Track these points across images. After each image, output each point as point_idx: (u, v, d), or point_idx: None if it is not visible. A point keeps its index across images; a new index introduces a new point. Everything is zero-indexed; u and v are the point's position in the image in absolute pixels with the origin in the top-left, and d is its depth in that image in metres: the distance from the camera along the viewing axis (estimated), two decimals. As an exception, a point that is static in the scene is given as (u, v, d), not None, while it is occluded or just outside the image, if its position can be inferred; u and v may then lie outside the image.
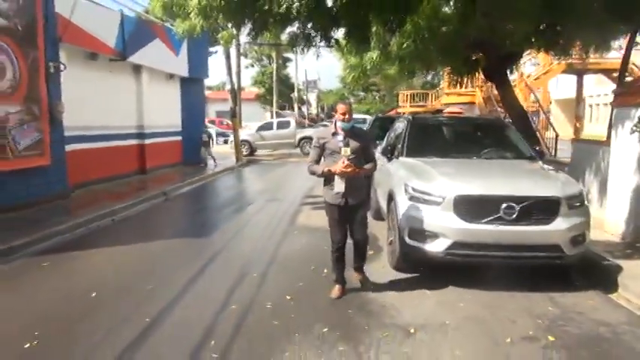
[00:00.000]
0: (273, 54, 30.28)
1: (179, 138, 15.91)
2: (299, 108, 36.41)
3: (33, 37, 8.49)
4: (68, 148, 9.72)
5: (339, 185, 4.19)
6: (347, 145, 4.21)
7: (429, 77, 19.43)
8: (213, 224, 8.14)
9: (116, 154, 12.09)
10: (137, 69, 13.08)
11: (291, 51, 35.01)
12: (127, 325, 3.83)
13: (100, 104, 11.19)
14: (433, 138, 6.42)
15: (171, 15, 7.84)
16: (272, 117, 36.48)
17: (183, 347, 3.47)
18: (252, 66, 38.61)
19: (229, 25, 8.23)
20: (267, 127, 22.12)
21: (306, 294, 4.48)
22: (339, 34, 9.54)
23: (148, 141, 13.52)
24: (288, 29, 9.42)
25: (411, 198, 4.75)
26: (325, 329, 3.72)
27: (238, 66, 20.48)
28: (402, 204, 4.84)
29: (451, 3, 10.92)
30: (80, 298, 4.46)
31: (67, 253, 6.08)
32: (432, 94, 24.72)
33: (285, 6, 6.53)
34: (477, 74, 12.33)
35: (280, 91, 33.35)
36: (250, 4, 7.26)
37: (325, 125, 34.15)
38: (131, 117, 13.00)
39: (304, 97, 41.36)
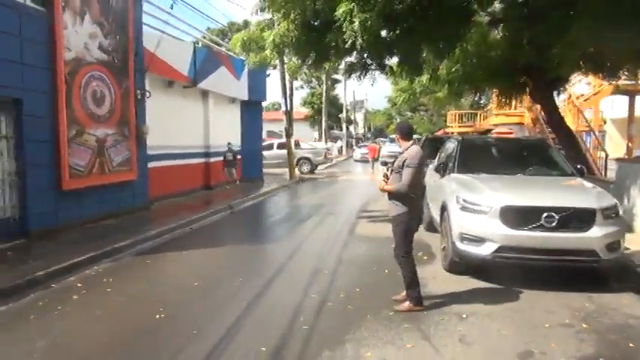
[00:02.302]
0: (323, 76, 31.64)
1: (238, 157, 17.23)
2: (347, 128, 37.69)
3: (126, 68, 9.96)
4: (149, 165, 11.10)
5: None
6: (390, 163, 4.89)
7: (476, 98, 19.95)
8: (280, 233, 9.18)
9: (186, 171, 13.47)
10: (205, 94, 14.55)
11: (338, 73, 36.45)
12: (230, 306, 4.83)
13: (173, 126, 12.63)
14: (481, 156, 7.20)
15: (245, 49, 9.03)
16: (320, 136, 37.90)
17: (279, 320, 4.42)
18: (302, 88, 40.41)
19: (295, 57, 9.32)
20: (268, 147, 22.67)
21: (372, 288, 5.36)
22: (393, 61, 10.49)
23: (212, 159, 14.89)
24: (347, 59, 10.50)
25: (462, 208, 5.57)
26: (391, 313, 4.58)
27: (291, 89, 21.75)
28: (454, 213, 5.67)
29: (499, 30, 11.69)
30: (186, 287, 5.52)
31: (162, 254, 7.24)
32: (480, 115, 25.23)
33: (350, 42, 7.52)
34: (524, 96, 12.93)
35: (329, 112, 34.66)
36: (317, 41, 8.37)
37: (364, 144, 34.50)
38: (199, 138, 14.42)
39: (352, 118, 42.65)
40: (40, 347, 3.94)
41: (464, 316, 4.51)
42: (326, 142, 32.36)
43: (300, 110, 40.91)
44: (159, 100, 11.66)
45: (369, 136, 53.88)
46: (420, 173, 4.56)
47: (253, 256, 7.18)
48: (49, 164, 8.01)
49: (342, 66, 11.73)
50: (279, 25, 8.01)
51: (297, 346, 3.92)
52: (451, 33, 8.52)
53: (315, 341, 3.99)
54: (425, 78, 12.32)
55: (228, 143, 15.27)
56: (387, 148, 27.42)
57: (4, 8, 7.03)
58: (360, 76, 10.71)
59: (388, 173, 4.69)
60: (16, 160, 7.48)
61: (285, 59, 9.88)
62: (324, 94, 34.17)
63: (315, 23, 8.59)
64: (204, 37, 18.38)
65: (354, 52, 9.65)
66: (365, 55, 10.00)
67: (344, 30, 7.80)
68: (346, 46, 8.10)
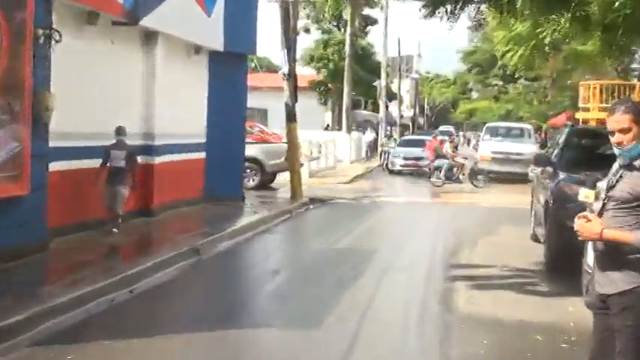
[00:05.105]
0: (346, 13, 31.43)
1: (201, 155, 17.08)
2: (386, 106, 36.97)
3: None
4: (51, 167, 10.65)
5: (589, 257, 4.59)
6: (593, 185, 4.55)
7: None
8: (319, 308, 8.56)
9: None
10: (150, 37, 14.42)
11: (375, 6, 36.28)
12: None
13: (90, 96, 12.16)
14: None
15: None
16: (337, 121, 37.67)
17: None
18: (307, 31, 39.48)
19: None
20: None
21: None
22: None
23: (157, 159, 14.60)
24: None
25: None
26: None
27: (294, 31, 21.64)
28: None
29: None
30: None
31: (84, 345, 6.88)
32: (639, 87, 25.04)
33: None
34: None
35: (355, 77, 34.09)
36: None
37: (410, 138, 33.61)
38: (133, 118, 13.97)
39: (394, 89, 42.20)
40: None
41: None
42: (348, 130, 32.21)
43: (302, 72, 40.01)
44: (69, 47, 11.23)
45: (422, 122, 53.78)
46: None
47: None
48: None
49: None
50: None
51: None
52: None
53: None
54: (564, 19, 12.23)
55: (118, 128, 12.71)
56: (490, 147, 27.25)
57: None
58: (451, 12, 10.59)
59: (595, 207, 4.27)
60: None
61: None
62: (347, 45, 33.28)
63: None
64: None
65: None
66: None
67: None
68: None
